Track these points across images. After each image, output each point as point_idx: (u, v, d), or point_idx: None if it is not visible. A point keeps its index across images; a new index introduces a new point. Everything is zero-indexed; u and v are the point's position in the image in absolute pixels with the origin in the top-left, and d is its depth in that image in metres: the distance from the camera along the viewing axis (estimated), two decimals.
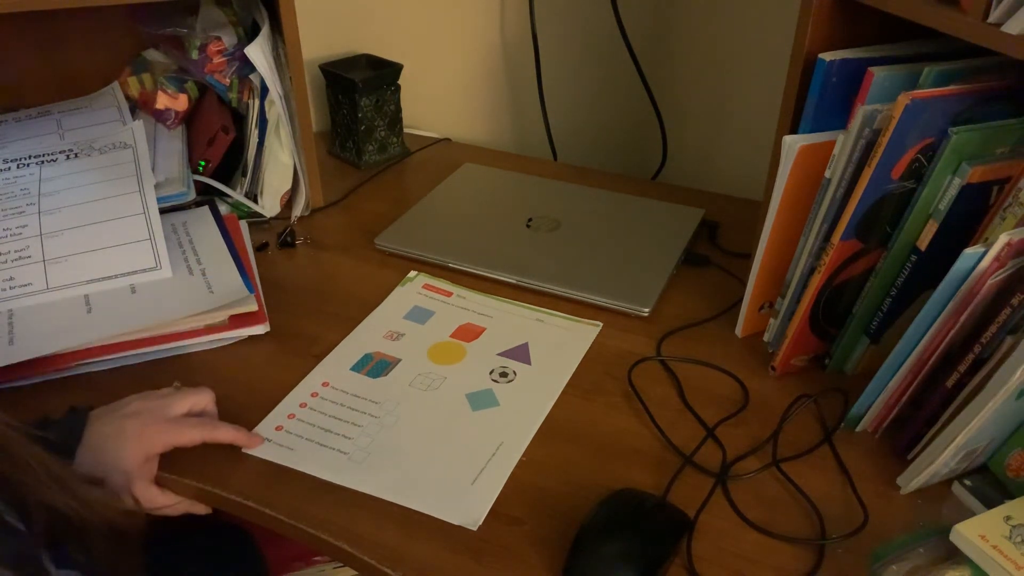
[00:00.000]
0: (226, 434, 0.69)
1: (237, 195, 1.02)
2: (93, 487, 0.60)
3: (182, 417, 0.69)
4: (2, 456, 0.52)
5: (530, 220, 1.02)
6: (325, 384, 0.78)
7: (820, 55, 0.70)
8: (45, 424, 0.66)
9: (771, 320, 0.82)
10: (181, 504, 0.69)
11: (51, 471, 0.55)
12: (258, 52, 0.96)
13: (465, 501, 0.66)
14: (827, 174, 0.71)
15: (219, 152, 1.02)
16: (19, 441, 0.53)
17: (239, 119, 1.03)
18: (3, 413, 0.53)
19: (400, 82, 1.18)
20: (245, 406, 0.75)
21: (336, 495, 0.67)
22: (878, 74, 0.67)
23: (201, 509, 0.70)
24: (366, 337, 0.85)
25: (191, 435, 0.68)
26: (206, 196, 1.01)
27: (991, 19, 0.58)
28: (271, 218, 1.04)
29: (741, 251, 0.98)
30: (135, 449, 0.65)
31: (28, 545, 0.54)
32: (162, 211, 0.92)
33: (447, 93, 1.31)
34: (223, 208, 1.01)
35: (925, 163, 0.67)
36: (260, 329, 0.84)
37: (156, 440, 0.66)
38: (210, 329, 0.82)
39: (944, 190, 0.67)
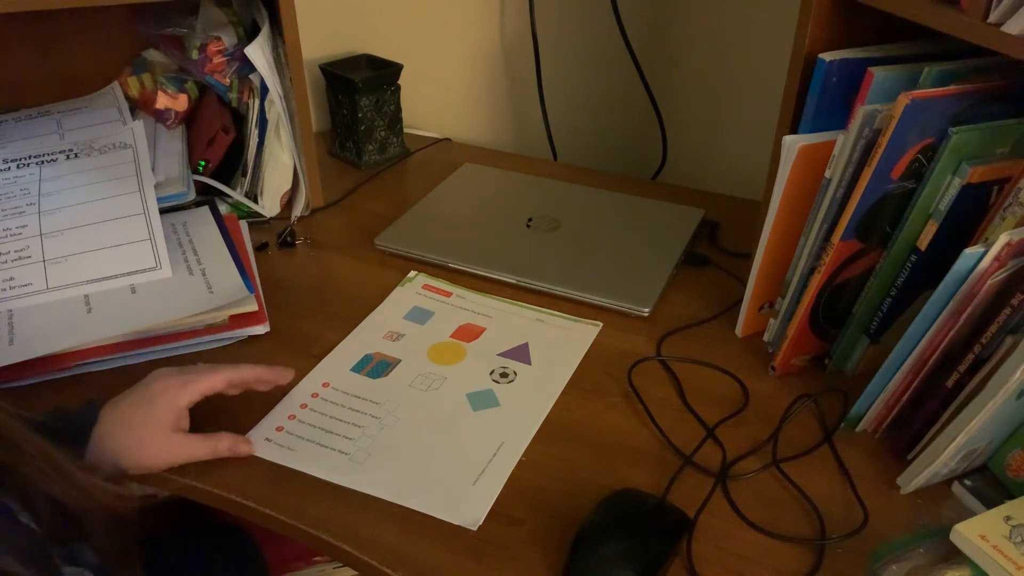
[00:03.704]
0: (250, 372, 0.71)
1: (237, 195, 1.02)
2: (88, 472, 0.60)
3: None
4: (5, 446, 0.52)
5: (530, 220, 1.02)
6: (325, 384, 0.78)
7: (820, 55, 0.70)
8: (61, 415, 0.66)
9: (771, 320, 0.82)
10: (223, 443, 0.69)
11: (49, 458, 0.55)
12: (258, 52, 0.96)
13: (465, 501, 0.66)
14: (827, 174, 0.71)
15: (219, 152, 1.01)
16: (17, 429, 0.54)
17: (239, 119, 1.03)
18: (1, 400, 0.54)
19: (400, 82, 1.18)
20: (245, 406, 0.75)
21: (336, 495, 0.67)
22: (878, 74, 0.67)
23: (245, 450, 0.69)
24: (366, 337, 0.85)
25: (213, 379, 0.69)
26: (206, 196, 1.01)
27: (991, 19, 0.58)
28: (271, 218, 1.04)
29: (741, 251, 0.98)
30: (168, 403, 0.67)
31: (40, 544, 0.54)
32: (162, 211, 0.92)
33: (447, 93, 1.31)
34: (223, 208, 1.01)
35: (925, 163, 0.67)
36: (260, 329, 0.84)
37: (182, 393, 0.67)
38: (210, 329, 0.82)
39: (944, 190, 0.67)
